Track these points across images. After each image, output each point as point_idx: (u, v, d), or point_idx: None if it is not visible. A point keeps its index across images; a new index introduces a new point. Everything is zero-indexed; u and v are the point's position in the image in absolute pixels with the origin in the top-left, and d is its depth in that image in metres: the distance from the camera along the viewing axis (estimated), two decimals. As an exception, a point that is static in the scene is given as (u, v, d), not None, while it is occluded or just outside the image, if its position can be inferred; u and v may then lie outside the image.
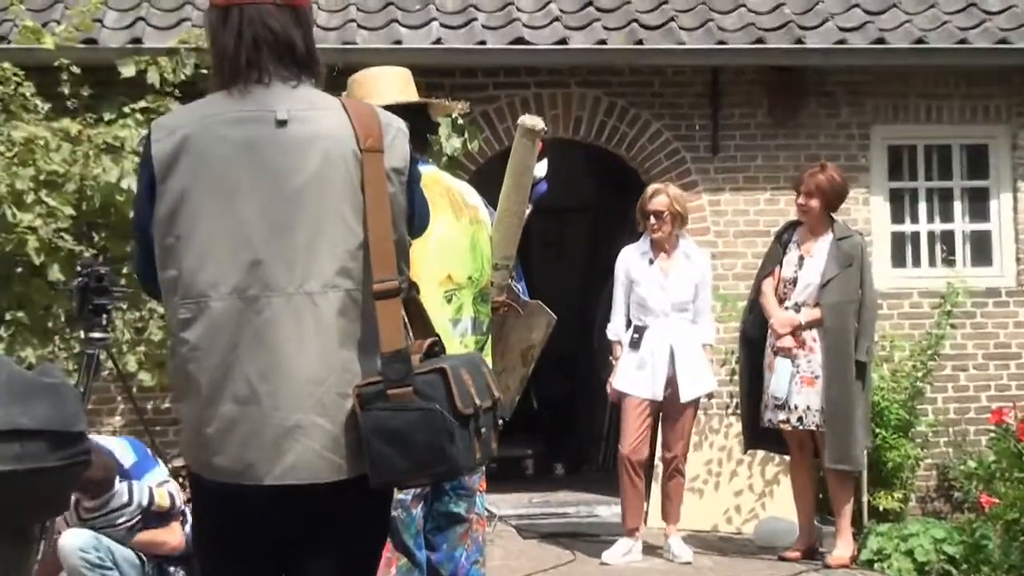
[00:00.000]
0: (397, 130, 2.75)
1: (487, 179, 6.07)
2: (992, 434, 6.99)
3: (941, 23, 9.00)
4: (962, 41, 8.85)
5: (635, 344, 7.25)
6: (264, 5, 2.71)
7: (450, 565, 3.89)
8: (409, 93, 4.01)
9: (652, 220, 7.26)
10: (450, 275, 3.82)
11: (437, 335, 2.82)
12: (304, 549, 2.70)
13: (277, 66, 2.71)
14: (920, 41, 8.79)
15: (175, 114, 2.82)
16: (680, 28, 8.75)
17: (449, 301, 3.81)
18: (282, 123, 2.66)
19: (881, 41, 8.77)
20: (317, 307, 2.61)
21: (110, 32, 8.36)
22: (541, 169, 4.19)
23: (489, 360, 4.01)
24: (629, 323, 7.33)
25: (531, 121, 4.04)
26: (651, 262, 7.30)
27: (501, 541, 7.83)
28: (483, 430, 2.69)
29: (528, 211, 4.14)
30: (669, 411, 7.29)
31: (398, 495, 3.74)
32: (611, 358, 7.44)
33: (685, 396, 7.18)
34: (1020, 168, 9.29)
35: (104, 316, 5.98)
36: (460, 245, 3.87)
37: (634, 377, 7.23)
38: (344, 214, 2.64)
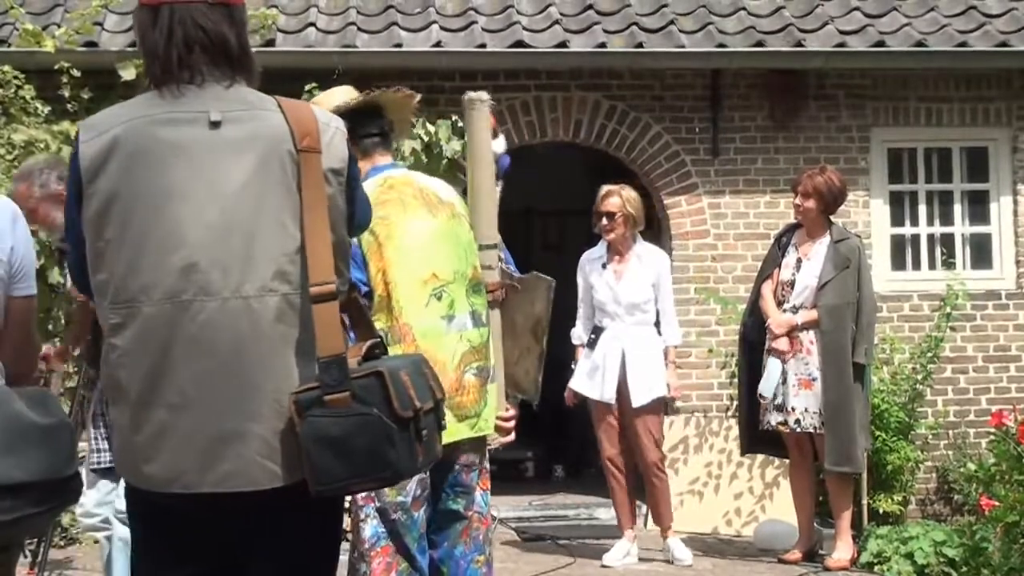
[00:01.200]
0: (335, 130, 2.66)
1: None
2: (992, 437, 6.97)
3: (941, 26, 9.00)
4: (962, 44, 8.85)
5: (592, 344, 7.26)
6: (195, 4, 2.61)
7: (450, 563, 3.89)
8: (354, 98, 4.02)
9: (604, 221, 7.26)
10: (435, 273, 3.80)
11: (380, 337, 2.76)
12: (248, 558, 2.61)
13: (210, 66, 2.61)
14: (920, 44, 8.80)
15: (105, 114, 2.70)
16: (680, 31, 8.74)
17: (439, 298, 3.79)
18: (216, 124, 2.56)
19: (881, 44, 8.77)
20: (254, 312, 2.52)
21: (110, 35, 8.38)
22: (500, 145, 4.31)
23: (499, 347, 3.99)
24: None
25: (474, 94, 4.11)
26: (604, 266, 7.29)
27: (501, 543, 7.83)
28: (424, 432, 2.60)
29: (500, 187, 4.22)
30: (627, 416, 7.23)
31: (397, 497, 3.73)
32: (572, 362, 7.42)
33: (636, 401, 7.14)
34: (1020, 171, 9.29)
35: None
36: (440, 242, 3.86)
37: (588, 380, 7.24)
38: (281, 216, 2.55)
